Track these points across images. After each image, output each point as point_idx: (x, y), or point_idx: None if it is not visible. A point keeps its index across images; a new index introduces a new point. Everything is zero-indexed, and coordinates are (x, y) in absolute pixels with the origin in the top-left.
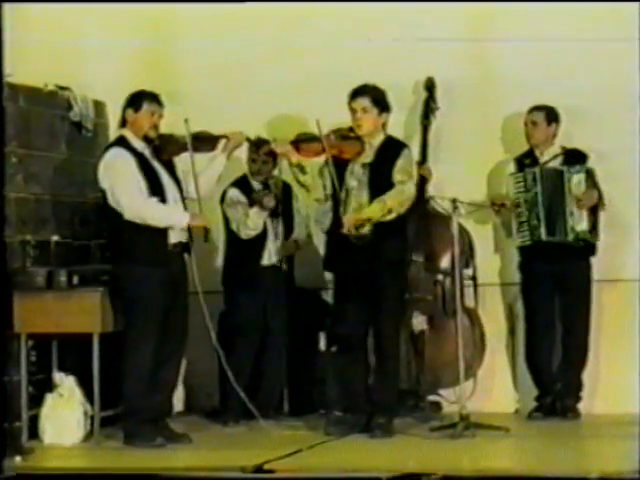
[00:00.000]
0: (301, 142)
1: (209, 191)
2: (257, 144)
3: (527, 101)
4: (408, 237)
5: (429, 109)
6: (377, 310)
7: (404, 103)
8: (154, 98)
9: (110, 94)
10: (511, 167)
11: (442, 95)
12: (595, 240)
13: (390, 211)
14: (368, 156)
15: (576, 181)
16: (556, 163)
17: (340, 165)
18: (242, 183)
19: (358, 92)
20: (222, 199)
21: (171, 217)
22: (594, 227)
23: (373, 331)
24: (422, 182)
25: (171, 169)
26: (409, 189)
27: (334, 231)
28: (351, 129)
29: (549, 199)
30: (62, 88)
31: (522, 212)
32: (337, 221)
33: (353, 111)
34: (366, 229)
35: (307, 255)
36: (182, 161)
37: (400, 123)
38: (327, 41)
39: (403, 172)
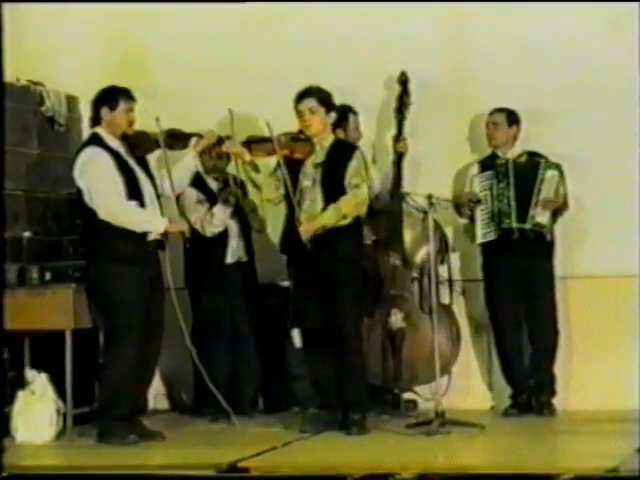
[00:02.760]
0: (252, 143)
1: (181, 188)
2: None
3: (495, 101)
4: (363, 236)
5: (402, 104)
6: (334, 309)
7: (376, 99)
8: (129, 94)
9: (82, 88)
10: (475, 169)
11: (416, 90)
12: (547, 234)
13: (345, 217)
14: (319, 156)
15: (549, 175)
16: None
17: (292, 167)
18: (197, 181)
19: (304, 94)
20: (177, 200)
21: (149, 223)
22: (551, 224)
23: (332, 329)
24: (399, 157)
25: (145, 167)
26: (363, 192)
27: (288, 232)
28: (301, 132)
29: (520, 189)
30: (34, 83)
31: (488, 207)
32: (291, 222)
33: (300, 113)
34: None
35: (266, 250)
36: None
37: (372, 118)
38: (295, 38)
39: (357, 175)
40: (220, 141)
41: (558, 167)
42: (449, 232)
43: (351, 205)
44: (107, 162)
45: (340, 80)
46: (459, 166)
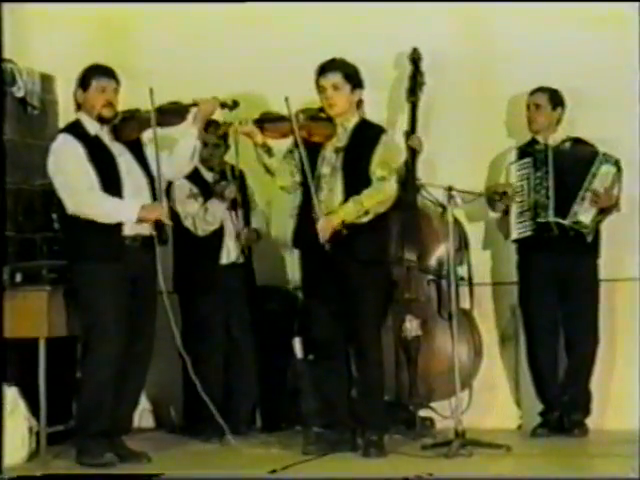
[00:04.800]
0: (266, 122)
1: (184, 170)
2: (212, 124)
3: (525, 80)
4: (388, 234)
5: (416, 84)
6: (353, 315)
7: (385, 78)
8: (104, 72)
9: (60, 67)
10: (512, 156)
11: (431, 70)
12: (588, 235)
13: (367, 212)
14: (341, 140)
15: (604, 171)
16: None
17: (309, 151)
18: (191, 172)
19: (327, 67)
20: (167, 192)
21: (118, 212)
22: (594, 225)
23: (351, 338)
24: (412, 155)
25: (137, 150)
26: (390, 187)
27: (302, 224)
28: (321, 110)
29: (561, 179)
30: (4, 60)
31: (524, 199)
32: (306, 212)
33: (322, 89)
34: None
35: (266, 249)
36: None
37: (382, 101)
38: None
39: (383, 166)
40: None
41: (617, 163)
42: (480, 228)
43: (375, 200)
44: (76, 152)
45: (346, 55)
46: (481, 155)
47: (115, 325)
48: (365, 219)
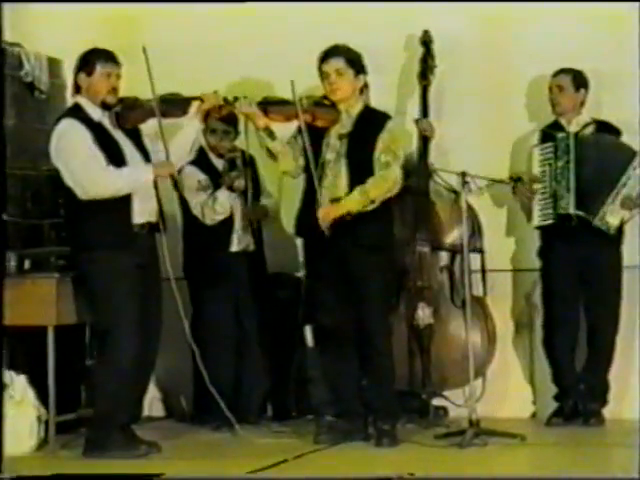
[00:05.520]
0: (270, 105)
1: (182, 161)
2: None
3: (542, 62)
4: (392, 219)
5: (427, 67)
6: (359, 302)
7: (395, 63)
8: (109, 57)
9: (67, 51)
10: (535, 139)
11: (443, 52)
12: (612, 232)
13: (373, 202)
14: (345, 126)
15: (639, 174)
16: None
17: (313, 137)
18: (200, 159)
19: (330, 53)
20: (175, 180)
21: (134, 176)
22: (621, 224)
23: (358, 325)
24: (424, 142)
25: (137, 139)
26: (394, 173)
27: (306, 212)
28: (325, 97)
29: (583, 171)
30: (11, 44)
31: (546, 186)
32: (310, 199)
33: (326, 75)
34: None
35: (277, 235)
36: (150, 128)
37: (392, 86)
38: None
39: (388, 151)
40: (227, 104)
41: None
42: (503, 213)
43: (381, 189)
44: (84, 136)
45: (355, 39)
46: (499, 140)
47: (133, 314)
48: (370, 208)
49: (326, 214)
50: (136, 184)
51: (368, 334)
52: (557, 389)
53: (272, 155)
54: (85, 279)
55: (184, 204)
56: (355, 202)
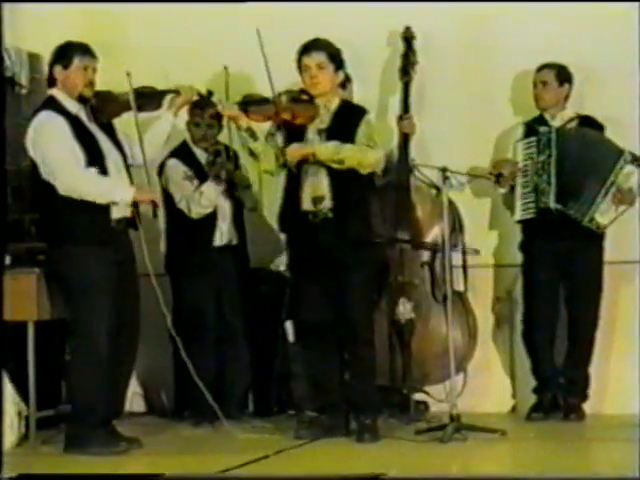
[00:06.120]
0: (250, 104)
1: (155, 156)
2: (202, 105)
3: (526, 58)
4: (375, 214)
5: (408, 63)
6: (342, 296)
7: (376, 57)
8: (85, 50)
9: (47, 46)
10: (519, 133)
11: (424, 48)
12: (600, 232)
13: (341, 162)
14: (323, 121)
15: (627, 172)
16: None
17: (292, 133)
18: (184, 152)
19: (312, 46)
20: (160, 172)
21: (114, 192)
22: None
23: (341, 317)
24: (404, 139)
25: (111, 133)
26: (376, 153)
27: (288, 207)
28: (302, 91)
29: (565, 165)
30: None
31: (528, 180)
32: (291, 195)
33: (306, 68)
34: (325, 204)
35: (259, 230)
36: (123, 122)
37: (373, 81)
38: None
39: (368, 139)
40: (202, 99)
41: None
42: (486, 206)
43: (354, 156)
44: (62, 128)
45: (336, 34)
46: (482, 135)
47: (108, 310)
48: (335, 166)
49: (294, 151)
50: (112, 200)
51: (351, 324)
52: (535, 380)
53: (253, 155)
54: (60, 274)
55: (167, 199)
56: (325, 150)
